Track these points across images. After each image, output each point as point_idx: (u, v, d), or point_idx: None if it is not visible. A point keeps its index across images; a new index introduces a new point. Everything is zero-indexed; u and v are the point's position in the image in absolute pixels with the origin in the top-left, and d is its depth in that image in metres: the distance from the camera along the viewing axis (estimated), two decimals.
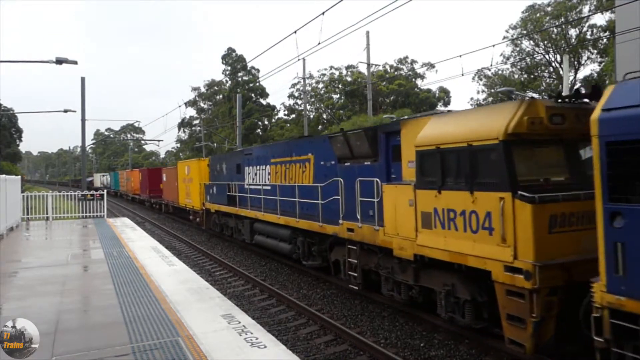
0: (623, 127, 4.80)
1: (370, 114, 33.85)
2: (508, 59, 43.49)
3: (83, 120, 25.56)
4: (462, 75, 38.18)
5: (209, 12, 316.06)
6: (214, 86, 69.81)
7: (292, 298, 10.65)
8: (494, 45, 31.36)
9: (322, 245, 11.75)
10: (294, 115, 58.52)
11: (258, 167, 15.61)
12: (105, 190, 22.54)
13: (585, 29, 39.94)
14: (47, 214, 19.81)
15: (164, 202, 31.25)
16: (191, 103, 71.12)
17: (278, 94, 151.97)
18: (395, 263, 8.57)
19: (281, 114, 61.73)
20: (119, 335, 5.36)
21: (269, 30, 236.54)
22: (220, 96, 67.21)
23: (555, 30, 39.49)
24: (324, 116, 54.94)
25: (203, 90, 72.03)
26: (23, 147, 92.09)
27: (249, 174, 16.36)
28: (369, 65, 34.64)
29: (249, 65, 60.11)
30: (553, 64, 42.29)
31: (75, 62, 18.94)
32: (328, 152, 11.25)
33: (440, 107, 50.92)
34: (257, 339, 5.21)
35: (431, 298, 8.17)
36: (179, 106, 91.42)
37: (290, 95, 58.14)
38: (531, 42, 42.29)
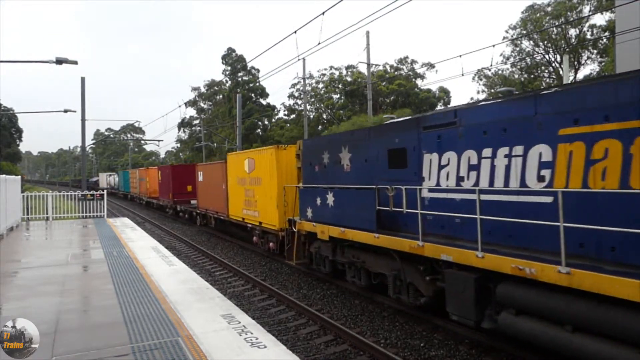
0: None
1: (370, 114, 33.84)
2: (508, 59, 43.57)
3: (83, 120, 25.57)
4: (462, 75, 38.33)
5: (209, 12, 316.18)
6: (214, 86, 69.91)
7: (292, 298, 10.64)
8: (494, 46, 31.41)
9: None
10: (294, 115, 58.57)
11: (483, 152, 7.08)
12: (106, 192, 22.25)
13: (585, 29, 40.01)
14: (47, 214, 19.82)
15: (201, 212, 22.69)
16: (191, 103, 71.25)
17: (278, 94, 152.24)
18: None
19: (281, 114, 61.85)
20: (119, 335, 5.36)
21: (269, 30, 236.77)
22: (220, 96, 67.29)
23: (555, 30, 39.53)
24: (324, 116, 54.96)
25: (203, 90, 72.14)
26: (23, 147, 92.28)
27: (442, 167, 7.78)
28: (369, 65, 34.63)
29: (249, 65, 60.24)
30: (553, 64, 42.34)
31: (75, 62, 18.95)
32: None
33: (440, 107, 50.99)
34: (257, 339, 5.21)
35: None
36: (179, 106, 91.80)
37: (290, 95, 58.27)
38: (531, 42, 42.36)
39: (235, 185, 17.61)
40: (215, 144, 53.26)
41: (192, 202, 25.54)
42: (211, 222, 21.46)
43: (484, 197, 6.82)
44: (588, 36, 39.61)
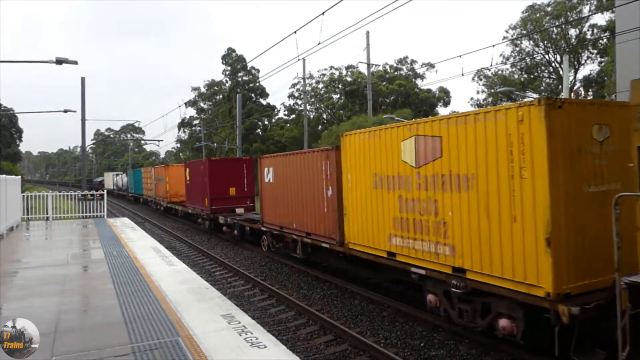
0: None
1: (370, 114, 33.86)
2: (508, 59, 43.62)
3: (83, 120, 25.59)
4: (462, 75, 38.24)
5: (209, 12, 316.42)
6: (214, 86, 69.88)
7: (292, 298, 10.65)
8: (494, 46, 31.44)
9: None
10: (294, 115, 58.57)
11: None
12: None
13: (585, 29, 40.07)
14: (47, 214, 19.81)
15: (271, 230, 14.82)
16: (191, 103, 71.19)
17: (278, 94, 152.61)
18: None
19: (281, 114, 61.89)
20: (119, 335, 5.36)
21: (269, 30, 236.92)
22: (220, 96, 67.24)
23: (555, 30, 39.57)
24: (324, 116, 54.96)
25: (203, 90, 72.12)
26: (23, 147, 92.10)
27: None
28: (369, 65, 34.66)
29: (249, 65, 60.23)
30: (553, 64, 42.38)
31: (75, 62, 18.92)
32: None
33: (440, 107, 51.05)
34: (257, 339, 5.21)
35: None
36: (179, 106, 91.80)
37: (290, 95, 58.27)
38: (531, 42, 42.41)
39: (367, 189, 9.76)
40: (215, 144, 53.30)
41: (238, 210, 19.81)
42: (295, 249, 13.35)
43: None
44: (588, 36, 39.66)
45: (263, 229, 15.48)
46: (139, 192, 41.11)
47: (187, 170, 24.52)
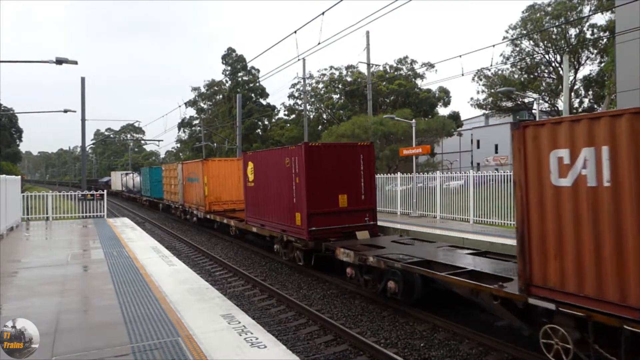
0: None
1: (370, 114, 33.90)
2: (508, 59, 43.65)
3: (83, 120, 25.61)
4: (462, 75, 38.15)
5: (208, 13, 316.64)
6: (214, 86, 69.91)
7: (292, 298, 10.63)
8: (494, 46, 31.37)
9: None
10: (294, 115, 58.60)
11: None
12: (104, 193, 22.07)
13: (585, 29, 40.11)
14: (47, 214, 19.83)
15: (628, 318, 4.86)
16: (191, 103, 71.25)
17: (278, 94, 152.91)
18: None
19: (281, 114, 61.93)
20: (119, 335, 5.36)
21: (269, 30, 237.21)
22: (220, 96, 67.28)
23: (555, 30, 39.61)
24: (324, 116, 54.98)
25: (203, 90, 72.17)
26: (23, 147, 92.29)
27: None
28: (369, 65, 34.69)
29: (249, 65, 60.32)
30: (553, 64, 42.40)
31: (75, 62, 18.92)
32: None
33: (440, 107, 51.11)
34: (257, 339, 5.21)
35: None
36: (179, 106, 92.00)
37: (290, 95, 58.31)
38: (531, 42, 42.44)
39: None
40: (215, 144, 53.31)
41: (360, 235, 12.20)
42: None
43: None
44: (588, 36, 39.71)
45: (546, 306, 6.03)
46: (157, 195, 32.77)
47: (251, 165, 15.52)
